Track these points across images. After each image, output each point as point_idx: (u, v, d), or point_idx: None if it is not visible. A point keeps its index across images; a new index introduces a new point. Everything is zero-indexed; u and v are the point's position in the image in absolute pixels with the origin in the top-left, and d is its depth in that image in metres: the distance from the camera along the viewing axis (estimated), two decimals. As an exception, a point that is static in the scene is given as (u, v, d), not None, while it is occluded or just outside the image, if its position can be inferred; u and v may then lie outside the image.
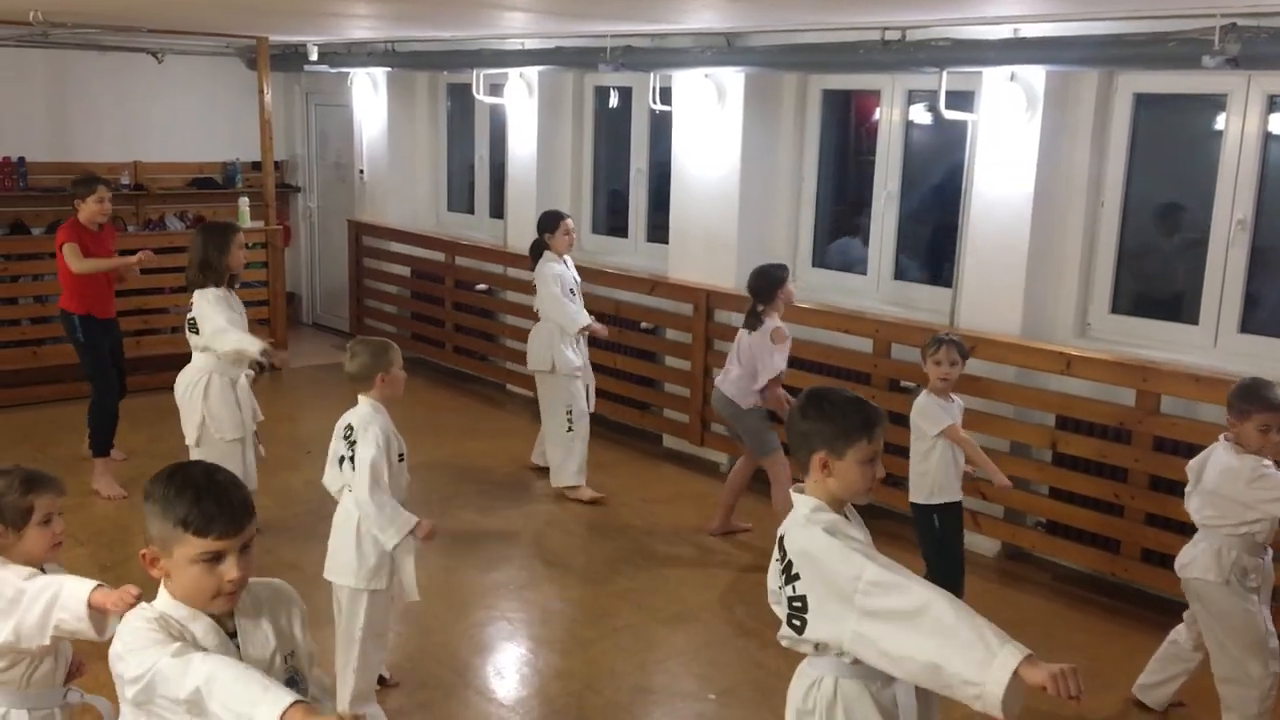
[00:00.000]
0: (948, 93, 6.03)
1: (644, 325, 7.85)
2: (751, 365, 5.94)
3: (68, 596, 2.82)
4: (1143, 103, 5.80)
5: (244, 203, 9.53)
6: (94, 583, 2.84)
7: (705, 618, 5.45)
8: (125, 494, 6.48)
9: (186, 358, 5.96)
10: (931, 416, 4.83)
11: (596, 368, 7.90)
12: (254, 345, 5.71)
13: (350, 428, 4.30)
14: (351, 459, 4.28)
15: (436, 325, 9.71)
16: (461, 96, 9.81)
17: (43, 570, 3.04)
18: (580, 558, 6.07)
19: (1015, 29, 5.74)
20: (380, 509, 4.19)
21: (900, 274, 6.90)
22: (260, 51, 9.24)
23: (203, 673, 2.14)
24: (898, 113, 6.77)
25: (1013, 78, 5.84)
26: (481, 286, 9.16)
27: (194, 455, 5.72)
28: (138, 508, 2.39)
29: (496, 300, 9.03)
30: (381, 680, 4.64)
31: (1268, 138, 5.40)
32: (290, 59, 10.14)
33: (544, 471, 7.15)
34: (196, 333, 5.83)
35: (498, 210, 9.43)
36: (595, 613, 5.44)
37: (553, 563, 6.01)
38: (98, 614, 2.79)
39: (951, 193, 6.46)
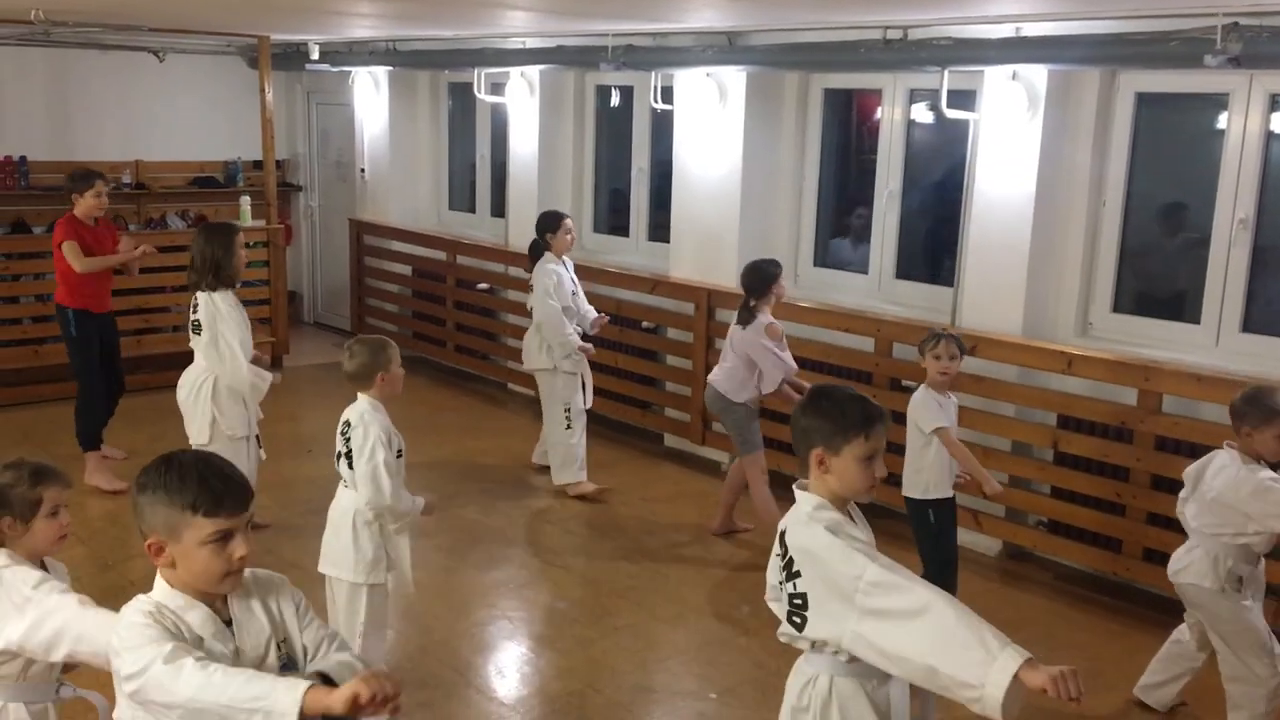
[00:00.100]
0: (949, 92, 6.03)
1: (645, 324, 7.84)
2: (744, 359, 5.94)
3: (93, 634, 2.80)
4: (1144, 102, 5.80)
5: (245, 201, 9.53)
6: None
7: (706, 617, 5.45)
8: (125, 485, 6.49)
9: (187, 356, 5.98)
10: (929, 412, 4.83)
11: (598, 367, 7.90)
12: (257, 383, 5.86)
13: (347, 424, 4.33)
14: (348, 455, 4.32)
15: (438, 324, 9.70)
16: (463, 95, 9.81)
17: (44, 566, 3.07)
18: (581, 557, 6.07)
19: (1017, 28, 5.73)
20: (398, 505, 4.28)
21: (902, 273, 6.89)
22: (262, 50, 9.24)
23: (195, 683, 2.14)
24: (899, 112, 6.77)
25: (1014, 77, 5.83)
26: (483, 285, 9.16)
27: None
28: (136, 506, 2.39)
29: (498, 299, 9.03)
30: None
31: (1269, 137, 5.39)
32: (292, 58, 10.14)
33: (546, 470, 7.15)
34: (199, 333, 5.83)
35: (499, 209, 9.42)
36: (596, 612, 5.44)
37: (553, 562, 6.01)
38: None
39: (953, 192, 6.46)
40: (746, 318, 5.97)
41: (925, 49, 5.99)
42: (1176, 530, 5.02)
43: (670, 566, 5.95)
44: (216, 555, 2.27)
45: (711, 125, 7.35)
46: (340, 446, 4.36)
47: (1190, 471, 4.35)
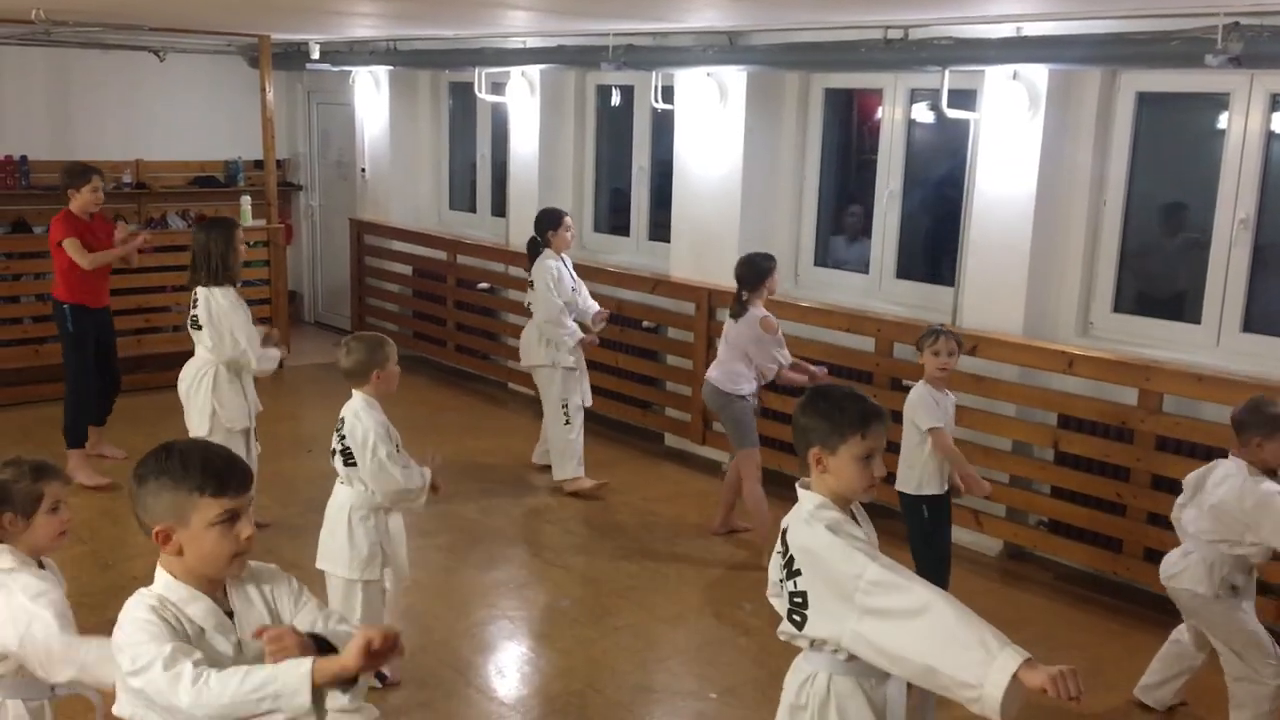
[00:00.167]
0: (950, 91, 6.02)
1: (645, 324, 7.84)
2: (740, 353, 5.94)
3: (100, 670, 2.86)
4: (1145, 101, 5.79)
5: (246, 201, 9.53)
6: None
7: (706, 616, 5.45)
8: (108, 480, 6.49)
9: (188, 355, 5.98)
10: (926, 410, 4.83)
11: (598, 366, 7.91)
12: (267, 363, 5.90)
13: (343, 421, 4.37)
14: (344, 453, 4.35)
15: (438, 324, 9.71)
16: (463, 95, 9.81)
17: (41, 564, 3.09)
18: (581, 556, 6.07)
19: (1018, 28, 5.73)
20: (411, 484, 4.35)
21: (902, 273, 6.89)
22: (262, 50, 9.24)
23: (191, 694, 2.16)
24: (900, 111, 6.76)
25: (1015, 76, 5.83)
26: (483, 285, 9.16)
27: None
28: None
29: (498, 299, 9.03)
30: (382, 679, 4.65)
31: (1270, 137, 5.39)
32: (292, 57, 10.14)
33: (546, 470, 7.15)
34: (199, 329, 5.85)
35: (499, 209, 9.42)
36: (596, 611, 5.44)
37: (554, 561, 6.01)
38: None
39: (954, 191, 6.45)
40: (739, 310, 5.98)
41: (926, 49, 5.99)
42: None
43: (670, 566, 5.95)
44: (225, 536, 2.30)
45: (712, 125, 7.34)
46: (335, 444, 4.40)
47: (1191, 479, 4.36)
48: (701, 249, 7.49)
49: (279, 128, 10.42)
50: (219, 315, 5.79)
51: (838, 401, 2.81)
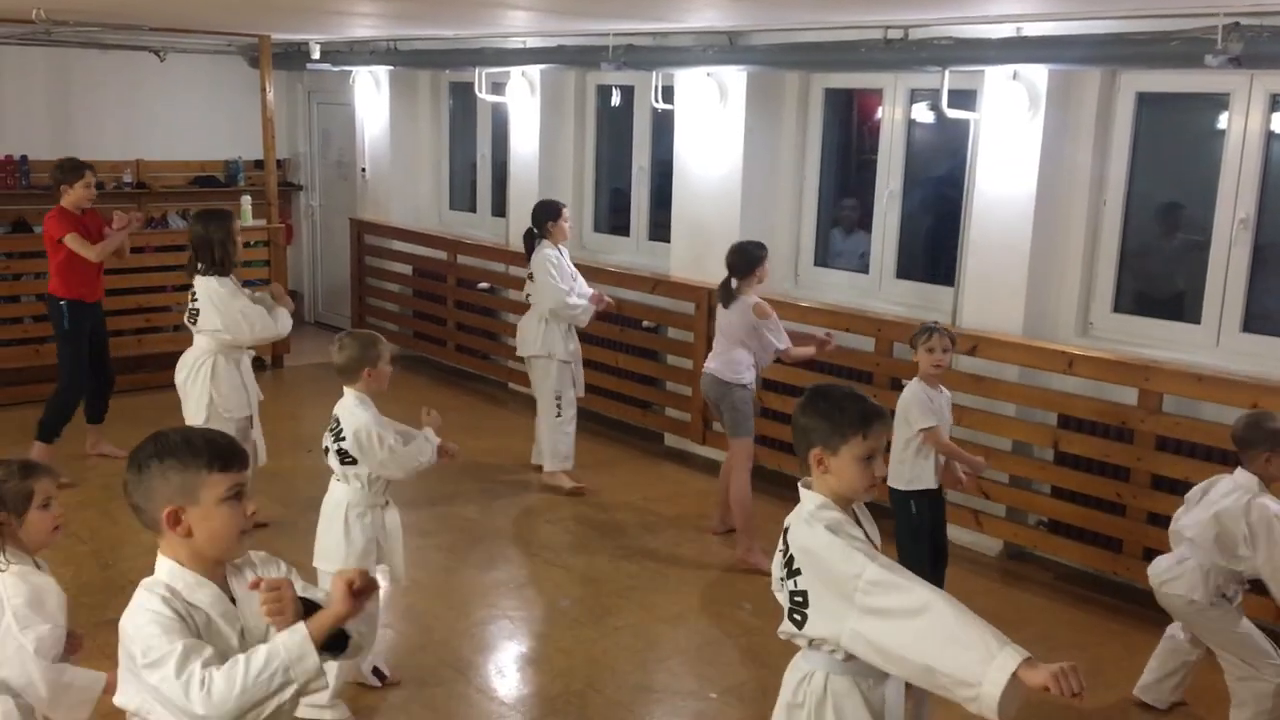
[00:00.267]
0: (950, 91, 6.03)
1: (646, 324, 7.84)
2: (735, 341, 5.94)
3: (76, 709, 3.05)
4: (1145, 102, 5.79)
5: (246, 201, 9.52)
6: (102, 678, 3.07)
7: (706, 616, 5.45)
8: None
9: (189, 353, 6.02)
10: (920, 408, 4.84)
11: (598, 366, 7.93)
12: (283, 325, 6.01)
13: (337, 419, 4.39)
14: (338, 452, 4.37)
15: (438, 324, 9.71)
16: (464, 95, 9.81)
17: (36, 564, 3.12)
18: (581, 556, 6.07)
19: (1018, 28, 5.73)
20: (423, 456, 4.41)
21: (902, 273, 6.89)
22: (263, 50, 9.24)
23: (203, 700, 2.16)
24: (900, 111, 6.77)
25: (1015, 76, 5.83)
26: (483, 285, 9.17)
27: None
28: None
29: (499, 299, 9.04)
30: (382, 678, 4.66)
31: (1270, 137, 5.39)
32: (292, 57, 10.14)
33: (542, 469, 7.17)
34: (195, 323, 5.88)
35: (500, 209, 9.43)
36: (596, 611, 5.44)
37: (554, 561, 6.01)
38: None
39: (953, 191, 6.46)
40: (728, 298, 5.96)
41: (926, 49, 5.99)
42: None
43: (670, 566, 5.95)
44: (233, 512, 2.33)
45: (712, 125, 7.35)
46: (329, 442, 4.42)
47: (1194, 492, 4.36)
48: (701, 249, 7.49)
49: (279, 128, 10.42)
50: (223, 303, 5.81)
51: (838, 402, 2.81)
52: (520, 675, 4.93)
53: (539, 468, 7.19)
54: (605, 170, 8.78)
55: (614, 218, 8.77)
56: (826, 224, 7.35)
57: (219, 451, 2.34)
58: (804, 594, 2.74)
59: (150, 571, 2.38)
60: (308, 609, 2.28)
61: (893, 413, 4.77)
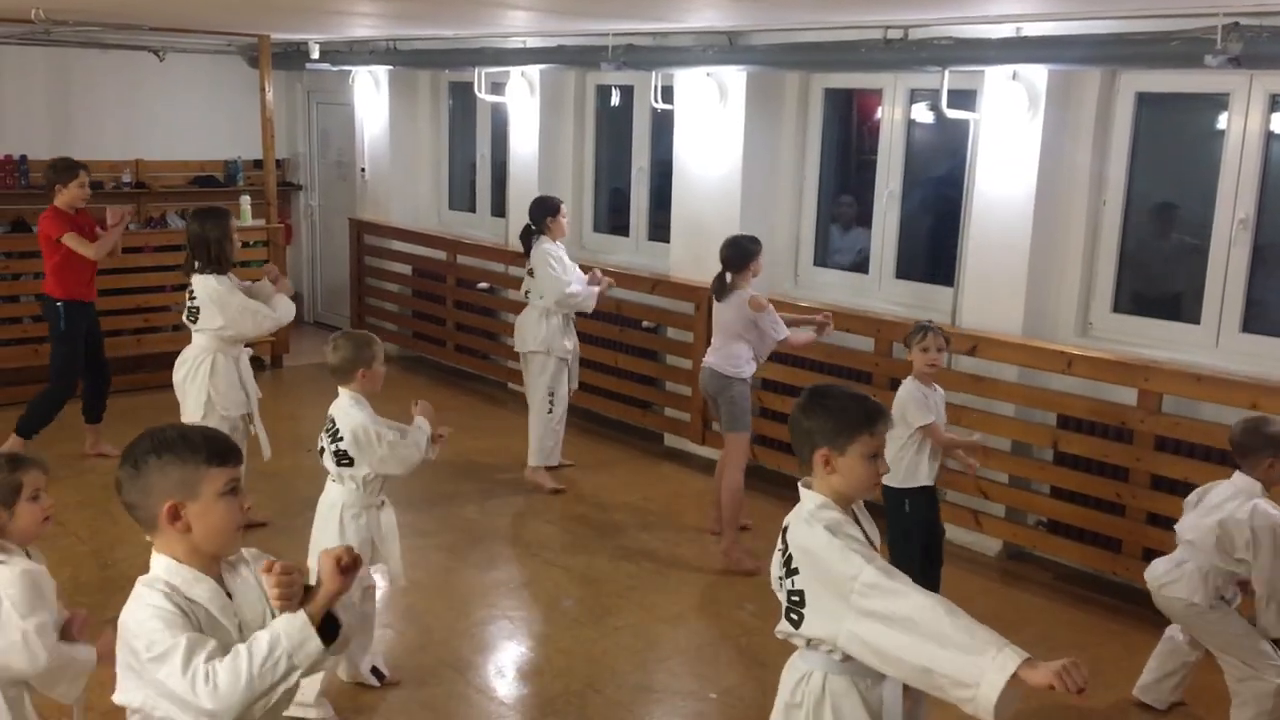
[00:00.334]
0: (950, 91, 6.03)
1: (645, 324, 7.85)
2: (733, 335, 5.93)
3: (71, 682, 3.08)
4: (1145, 102, 5.80)
5: (245, 201, 9.53)
6: (94, 650, 3.12)
7: (706, 616, 5.45)
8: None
9: (188, 353, 6.02)
10: (917, 406, 4.87)
11: (598, 366, 7.94)
12: (285, 313, 6.02)
13: (332, 420, 4.40)
14: (335, 453, 4.37)
15: (438, 324, 9.70)
16: (463, 95, 9.81)
17: (28, 554, 3.14)
18: (581, 556, 6.07)
19: (1017, 28, 5.73)
20: (410, 449, 4.37)
21: (902, 273, 6.89)
22: (262, 49, 9.24)
23: (210, 695, 2.17)
24: (900, 111, 6.77)
25: (1015, 76, 5.83)
26: (483, 285, 9.16)
27: None
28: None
29: (498, 299, 9.03)
30: (381, 678, 4.66)
31: (1269, 137, 5.39)
32: (292, 57, 10.14)
33: (545, 469, 7.17)
34: (194, 321, 5.88)
35: (499, 209, 9.43)
36: (596, 611, 5.44)
37: (553, 561, 6.01)
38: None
39: (953, 191, 6.46)
40: (722, 292, 5.96)
41: (926, 49, 5.99)
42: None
43: (670, 566, 5.95)
44: (231, 506, 2.34)
45: (712, 125, 7.35)
46: (324, 442, 4.43)
47: (1190, 499, 4.37)
48: (701, 249, 7.47)
49: (279, 127, 10.42)
50: (223, 301, 5.82)
51: (842, 401, 2.82)
52: (520, 675, 4.93)
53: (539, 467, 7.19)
54: (605, 170, 8.78)
55: (613, 218, 8.77)
56: (826, 224, 7.35)
57: (216, 446, 2.36)
58: (801, 593, 2.75)
59: (148, 570, 2.38)
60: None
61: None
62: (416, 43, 9.30)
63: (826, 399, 2.84)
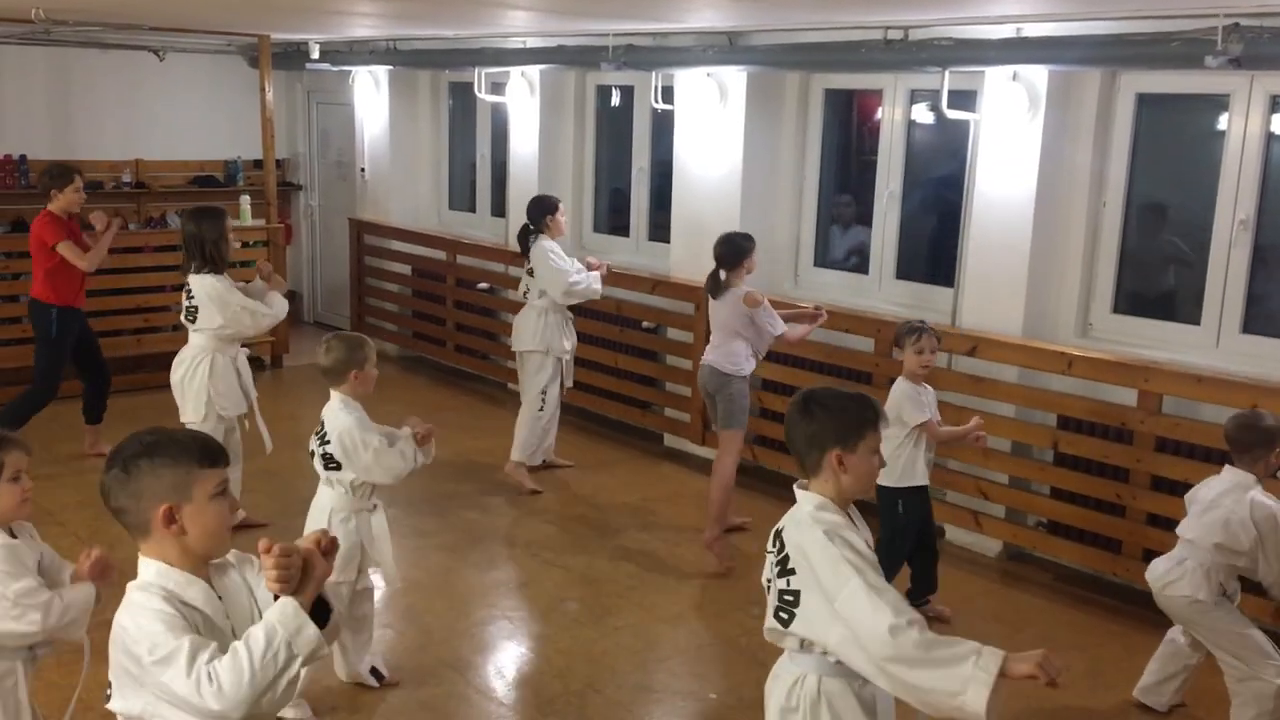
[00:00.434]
0: (950, 92, 6.03)
1: (645, 324, 7.85)
2: (730, 332, 5.93)
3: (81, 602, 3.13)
4: (1145, 103, 5.80)
5: (245, 201, 9.53)
6: (92, 587, 3.18)
7: (706, 616, 5.45)
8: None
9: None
10: (915, 405, 4.91)
11: (597, 366, 7.94)
12: (280, 309, 6.05)
13: (322, 423, 4.41)
14: (321, 456, 4.38)
15: (438, 324, 9.70)
16: (463, 95, 9.81)
17: (11, 533, 3.17)
18: (581, 556, 6.07)
19: (1018, 28, 5.73)
20: (396, 458, 4.34)
21: (902, 273, 6.89)
22: (262, 49, 9.24)
23: (214, 694, 2.15)
24: (900, 112, 6.77)
25: (1015, 77, 5.83)
26: (483, 285, 9.16)
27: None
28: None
29: (498, 299, 9.03)
30: (380, 678, 4.65)
31: (1270, 138, 5.39)
32: (292, 57, 10.14)
33: (545, 469, 7.17)
34: (193, 320, 5.88)
35: (499, 209, 9.43)
36: (596, 612, 5.43)
37: (553, 562, 6.00)
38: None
39: (953, 192, 6.46)
40: (717, 289, 5.96)
41: (926, 49, 5.99)
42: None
43: (669, 566, 5.95)
44: (222, 507, 2.34)
45: (712, 125, 7.35)
46: (314, 446, 4.42)
47: (1190, 495, 4.37)
48: (701, 249, 7.44)
49: (279, 127, 10.42)
50: (221, 300, 5.82)
51: (841, 401, 2.84)
52: (520, 675, 4.93)
53: (539, 468, 7.19)
54: (605, 170, 8.78)
55: (614, 218, 8.77)
56: (826, 224, 7.35)
57: (207, 448, 2.36)
58: (795, 594, 2.76)
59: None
60: None
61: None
62: (416, 43, 9.30)
63: (826, 401, 2.84)
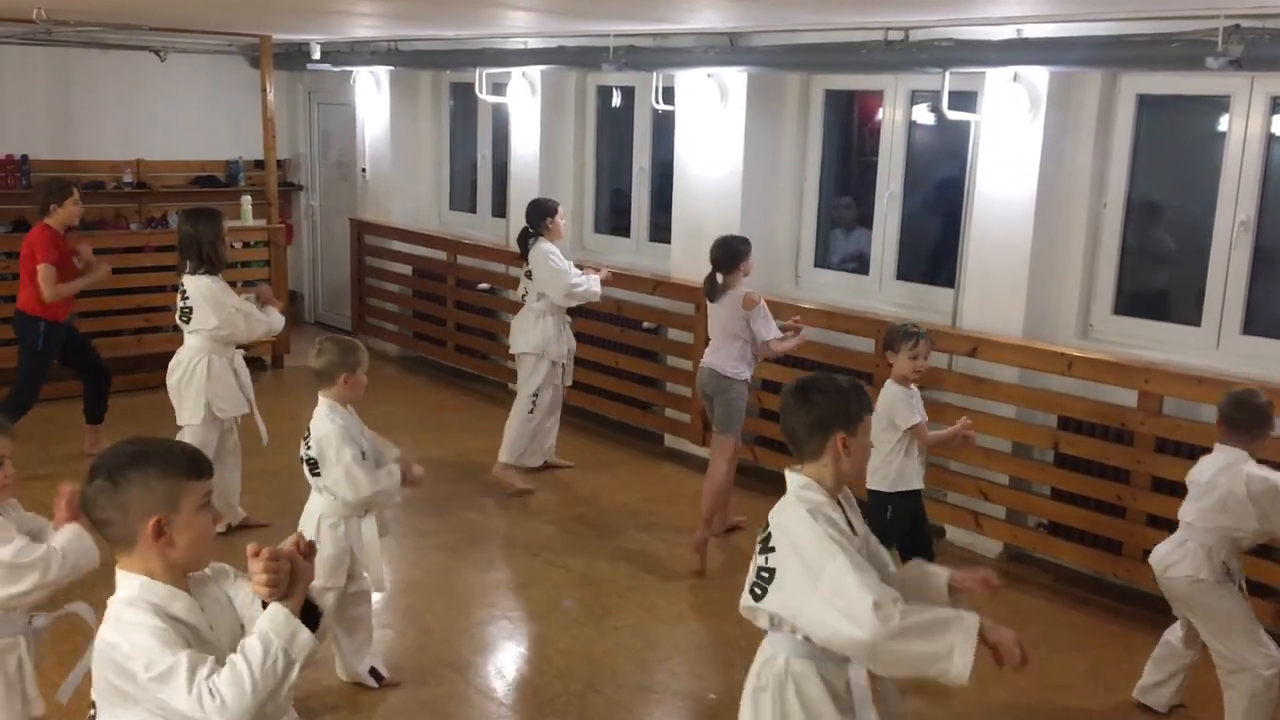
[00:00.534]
0: (950, 93, 6.03)
1: (646, 325, 7.85)
2: (730, 335, 5.93)
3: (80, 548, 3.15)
4: (1146, 104, 5.80)
5: (246, 201, 9.53)
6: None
7: (706, 616, 5.45)
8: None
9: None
10: (905, 409, 4.91)
11: (598, 367, 7.94)
12: (276, 322, 6.04)
13: (308, 429, 4.39)
14: (307, 462, 4.37)
15: (438, 324, 9.71)
16: (464, 95, 9.81)
17: None
18: (581, 557, 6.07)
19: (1018, 29, 5.73)
20: (379, 487, 4.31)
21: (903, 274, 6.89)
22: (263, 50, 9.24)
23: (218, 711, 2.13)
24: (901, 113, 6.77)
25: (1016, 78, 5.83)
26: (483, 285, 9.16)
27: (192, 434, 5.84)
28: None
29: (498, 299, 9.03)
30: (379, 679, 4.65)
31: (1270, 139, 5.39)
32: (293, 57, 10.14)
33: (544, 470, 7.17)
34: (188, 320, 5.88)
35: (500, 209, 9.43)
36: (596, 612, 5.44)
37: (553, 562, 6.01)
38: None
39: (954, 193, 6.46)
40: (714, 292, 5.97)
41: (926, 50, 5.99)
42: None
43: (670, 567, 5.95)
44: (207, 519, 2.32)
45: (713, 126, 7.35)
46: (303, 451, 4.39)
47: (1190, 478, 4.37)
48: (702, 250, 7.42)
49: (280, 128, 10.42)
50: (217, 300, 5.83)
51: (836, 385, 2.92)
52: (520, 675, 4.93)
53: (540, 468, 7.20)
54: (606, 171, 8.78)
55: (614, 218, 8.78)
56: (827, 225, 7.35)
57: (194, 459, 2.33)
58: (772, 571, 2.82)
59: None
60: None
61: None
62: (418, 43, 9.31)
63: (823, 387, 2.92)
